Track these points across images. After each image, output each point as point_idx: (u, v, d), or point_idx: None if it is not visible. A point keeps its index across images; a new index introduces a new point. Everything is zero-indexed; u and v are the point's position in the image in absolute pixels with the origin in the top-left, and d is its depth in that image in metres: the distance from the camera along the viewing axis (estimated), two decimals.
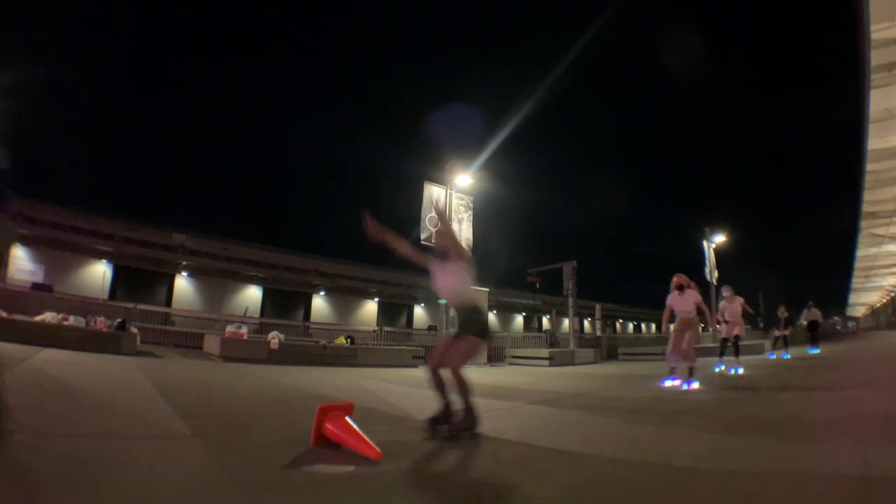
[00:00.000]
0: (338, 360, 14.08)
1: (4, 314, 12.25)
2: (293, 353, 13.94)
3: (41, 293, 21.50)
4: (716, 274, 27.93)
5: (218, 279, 43.49)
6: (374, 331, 32.67)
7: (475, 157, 21.95)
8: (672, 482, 3.21)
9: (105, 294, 36.35)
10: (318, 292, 48.45)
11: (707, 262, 28.05)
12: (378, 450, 3.57)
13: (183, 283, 42.92)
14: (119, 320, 13.04)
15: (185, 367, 11.43)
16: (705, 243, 28.25)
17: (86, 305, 19.04)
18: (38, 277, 34.90)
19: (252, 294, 45.48)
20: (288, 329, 20.23)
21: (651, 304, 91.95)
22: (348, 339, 15.89)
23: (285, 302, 46.49)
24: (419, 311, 54.45)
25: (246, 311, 41.00)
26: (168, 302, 40.84)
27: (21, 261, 37.04)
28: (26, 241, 37.21)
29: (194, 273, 42.95)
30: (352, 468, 3.34)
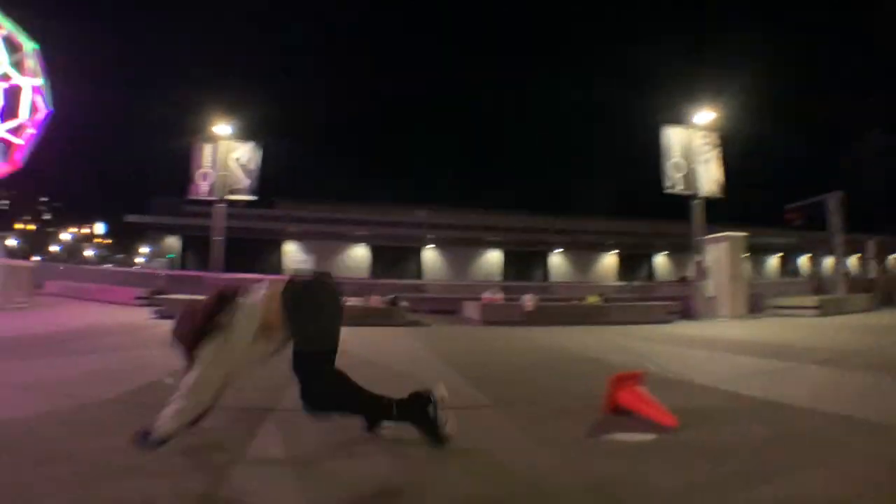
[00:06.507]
0: (589, 319, 14.24)
1: None
2: (546, 313, 14.42)
3: None
4: None
5: (460, 248, 46.17)
6: (620, 285, 32.44)
7: (720, 88, 20.65)
8: None
9: (367, 273, 40.97)
10: (554, 250, 49.13)
11: None
12: (673, 416, 3.63)
13: (429, 255, 46.39)
14: (392, 296, 14.71)
15: (453, 333, 12.48)
16: None
17: (357, 286, 21.48)
18: (307, 265, 41.31)
19: (493, 258, 47.53)
20: (528, 290, 20.89)
21: None
22: (601, 298, 16.08)
23: (524, 262, 47.84)
24: (660, 261, 52.61)
25: (489, 276, 43.10)
26: (419, 273, 44.54)
27: (294, 253, 43.82)
28: (296, 237, 43.83)
29: (439, 244, 46.10)
30: (653, 436, 3.44)
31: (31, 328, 9.91)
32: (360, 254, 45.05)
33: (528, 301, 14.52)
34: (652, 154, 19.74)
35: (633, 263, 50.80)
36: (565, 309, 15.18)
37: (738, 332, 12.00)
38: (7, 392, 4.59)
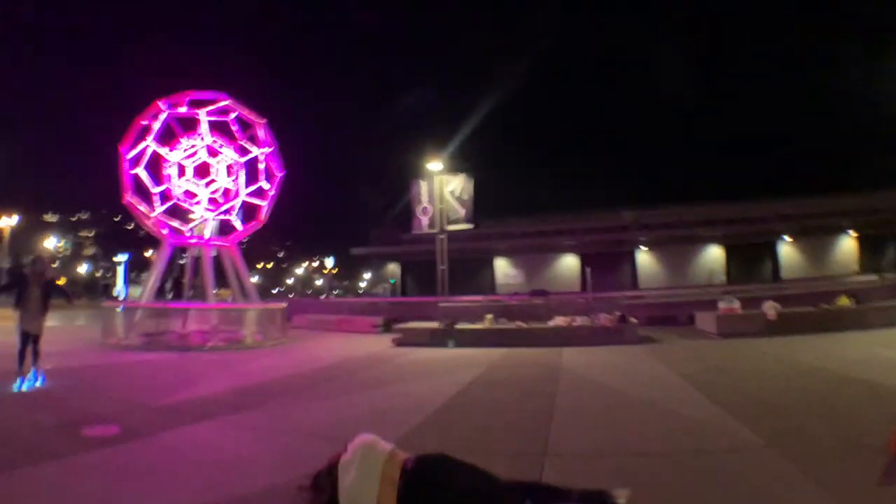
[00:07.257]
0: (839, 325, 13.03)
1: (524, 325, 14.96)
2: (790, 322, 13.45)
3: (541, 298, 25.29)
4: None
5: (676, 246, 43.87)
6: (869, 279, 28.16)
7: None
8: None
9: (578, 286, 40.36)
10: (782, 239, 44.31)
11: None
12: None
13: (643, 258, 44.76)
14: (619, 314, 14.59)
15: (692, 351, 11.99)
16: None
17: (579, 305, 21.31)
18: (517, 280, 43.57)
19: (713, 255, 44.31)
20: (758, 292, 19.16)
21: None
22: (852, 299, 14.48)
23: (749, 257, 43.73)
24: None
25: (711, 276, 40.54)
26: (633, 278, 43.07)
27: (504, 269, 45.35)
28: (504, 253, 45.24)
29: (652, 245, 44.29)
30: None
31: (296, 365, 11.20)
32: (569, 264, 44.90)
33: (770, 309, 13.72)
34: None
35: (877, 245, 43.39)
36: (811, 316, 13.94)
37: None
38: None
